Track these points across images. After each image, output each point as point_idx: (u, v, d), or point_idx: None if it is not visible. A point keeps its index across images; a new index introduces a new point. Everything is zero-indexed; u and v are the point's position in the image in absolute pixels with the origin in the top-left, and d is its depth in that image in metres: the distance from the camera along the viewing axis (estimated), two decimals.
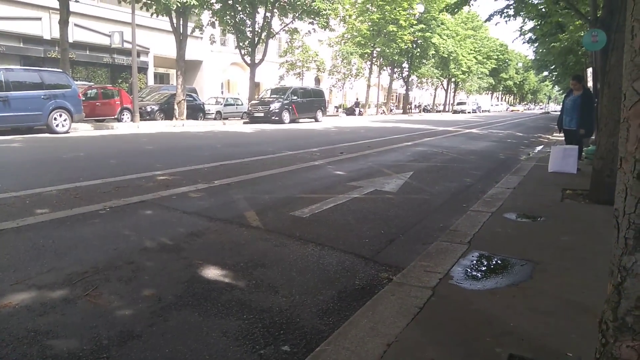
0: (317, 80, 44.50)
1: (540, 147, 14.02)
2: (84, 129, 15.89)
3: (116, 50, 25.37)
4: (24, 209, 4.70)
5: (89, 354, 2.17)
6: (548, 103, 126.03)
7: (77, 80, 18.42)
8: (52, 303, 2.68)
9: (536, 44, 26.52)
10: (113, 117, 19.34)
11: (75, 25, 22.55)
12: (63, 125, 14.21)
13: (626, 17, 1.60)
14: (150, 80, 28.32)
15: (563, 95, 13.27)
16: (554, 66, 32.90)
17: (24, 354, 2.16)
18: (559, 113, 9.03)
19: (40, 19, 22.29)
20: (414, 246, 3.97)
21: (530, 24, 20.88)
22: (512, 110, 79.34)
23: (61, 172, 6.94)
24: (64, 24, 16.43)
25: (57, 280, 2.98)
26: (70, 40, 19.48)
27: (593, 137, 9.31)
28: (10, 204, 4.90)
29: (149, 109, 21.15)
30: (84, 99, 16.70)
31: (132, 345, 2.26)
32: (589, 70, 12.65)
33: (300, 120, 25.28)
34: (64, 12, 16.35)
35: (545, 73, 43.18)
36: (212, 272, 3.22)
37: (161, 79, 31.96)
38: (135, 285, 2.95)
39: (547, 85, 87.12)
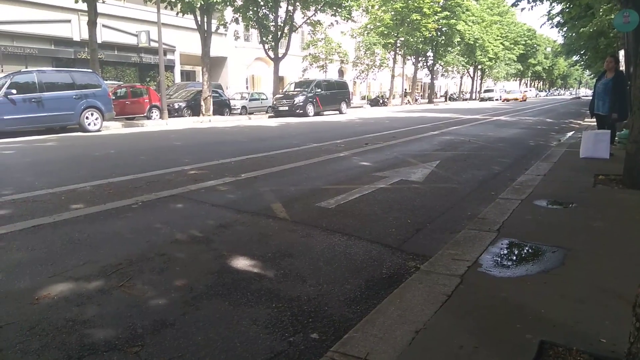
0: (341, 72, 44.36)
1: (571, 132, 13.65)
2: (115, 127, 16.27)
3: (143, 50, 25.82)
4: (59, 205, 4.87)
5: (125, 342, 2.25)
6: (579, 88, 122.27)
7: (106, 80, 18.85)
8: (88, 294, 2.77)
9: (565, 28, 25.71)
10: (142, 115, 19.76)
11: (104, 26, 23.04)
12: (94, 124, 14.60)
13: None
14: (177, 78, 28.76)
15: (594, 80, 12.85)
16: (584, 50, 31.84)
17: (63, 343, 2.25)
18: (591, 97, 8.77)
19: (69, 21, 22.86)
20: (441, 235, 3.94)
21: (558, 8, 20.23)
22: (505, 100, 49.57)
23: (94, 169, 7.15)
24: (92, 25, 16.81)
25: (93, 273, 3.09)
26: (99, 41, 19.94)
27: (626, 121, 9.01)
28: (47, 200, 5.08)
29: (176, 106, 21.53)
30: (113, 98, 17.14)
31: (166, 334, 2.33)
32: (621, 53, 12.23)
33: (325, 112, 25.24)
34: (92, 14, 16.72)
35: (576, 57, 41.83)
36: (241, 263, 3.27)
37: (187, 76, 32.41)
38: (168, 276, 3.03)
39: (577, 70, 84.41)
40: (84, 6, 16.98)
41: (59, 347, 2.21)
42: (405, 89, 47.08)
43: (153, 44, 22.41)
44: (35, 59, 21.66)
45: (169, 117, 19.46)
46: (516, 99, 49.59)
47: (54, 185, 5.86)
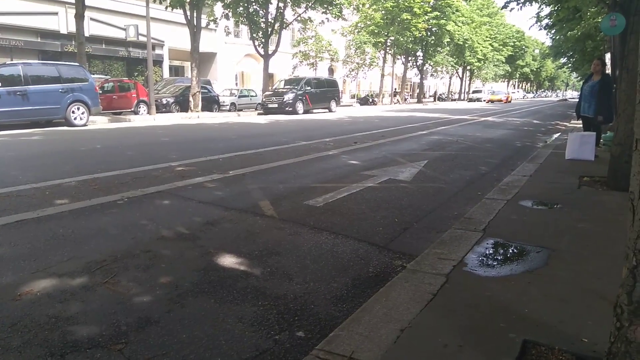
0: (331, 71, 44.31)
1: (558, 134, 13.79)
2: (102, 122, 16.08)
3: (132, 44, 25.53)
4: (44, 200, 4.80)
5: (108, 340, 2.23)
6: (566, 90, 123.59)
7: (93, 74, 18.62)
8: (72, 290, 2.74)
9: (553, 31, 25.97)
10: (130, 110, 19.54)
11: (91, 19, 22.73)
12: (81, 118, 14.42)
13: None
14: (166, 73, 28.49)
15: (581, 82, 13.01)
16: (571, 53, 32.23)
17: (45, 339, 2.22)
18: (578, 99, 8.88)
19: (56, 13, 22.51)
20: (427, 234, 3.97)
21: (546, 10, 20.43)
22: (490, 101, 48.79)
23: (80, 164, 7.06)
24: (79, 18, 16.57)
25: (77, 269, 3.05)
26: (87, 34, 19.66)
27: (612, 124, 9.14)
28: (31, 195, 5.01)
29: (164, 102, 21.32)
30: (101, 92, 16.90)
31: (150, 331, 2.31)
32: (608, 56, 12.39)
33: (314, 110, 25.23)
34: (80, 6, 16.48)
35: (563, 60, 42.27)
36: (228, 260, 3.26)
37: (176, 71, 32.12)
38: (153, 273, 3.01)
39: (565, 72, 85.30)
40: None
41: (41, 344, 2.18)
42: (395, 89, 47.19)
43: (141, 38, 22.20)
44: (21, 51, 21.29)
45: (156, 112, 19.27)
46: (500, 100, 49.30)
47: (38, 180, 5.78)
